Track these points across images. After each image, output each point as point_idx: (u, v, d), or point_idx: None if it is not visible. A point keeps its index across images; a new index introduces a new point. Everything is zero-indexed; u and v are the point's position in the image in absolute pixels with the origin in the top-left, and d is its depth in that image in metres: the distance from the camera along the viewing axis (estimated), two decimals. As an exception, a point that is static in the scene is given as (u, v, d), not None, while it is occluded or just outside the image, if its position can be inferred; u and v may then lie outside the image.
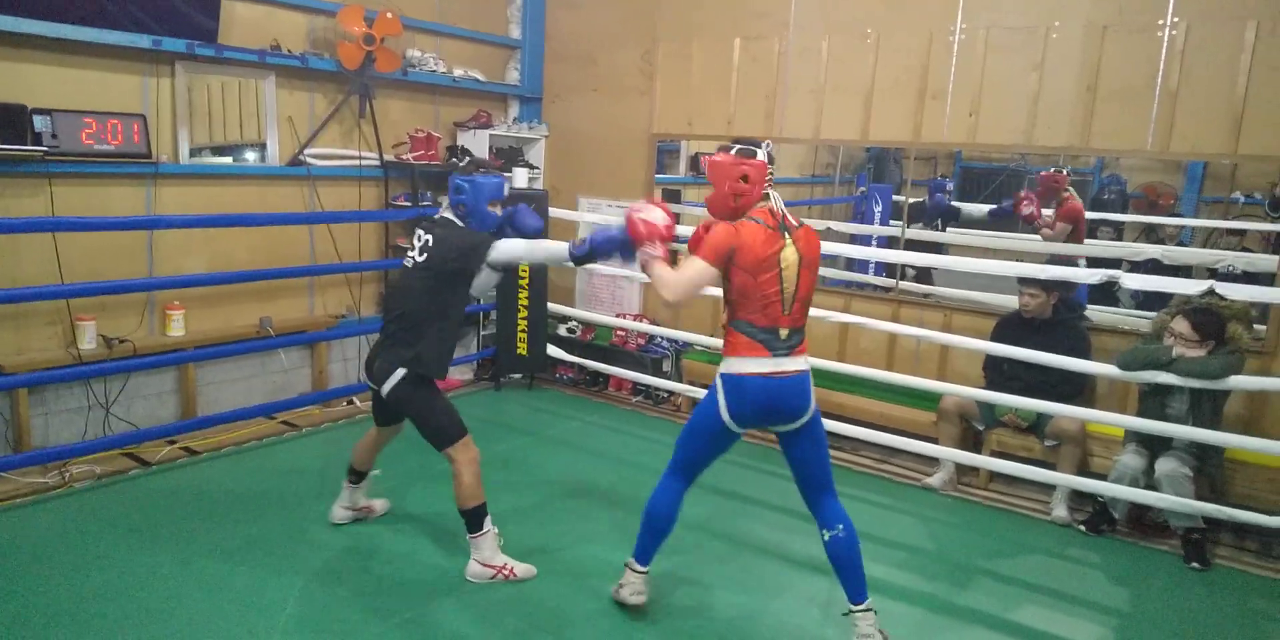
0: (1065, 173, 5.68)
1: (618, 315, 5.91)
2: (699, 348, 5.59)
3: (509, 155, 6.32)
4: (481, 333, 6.22)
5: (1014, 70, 4.60)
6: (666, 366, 5.69)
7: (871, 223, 6.54)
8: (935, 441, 4.44)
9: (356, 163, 5.56)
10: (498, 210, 3.34)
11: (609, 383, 5.95)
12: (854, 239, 6.30)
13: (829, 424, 4.55)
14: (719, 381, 2.83)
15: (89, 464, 4.19)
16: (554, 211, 5.69)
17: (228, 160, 4.97)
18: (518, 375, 6.01)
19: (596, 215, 5.96)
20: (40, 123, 4.09)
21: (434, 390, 3.26)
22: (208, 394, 4.93)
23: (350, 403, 5.44)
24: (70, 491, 3.95)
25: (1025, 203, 5.30)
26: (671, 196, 6.18)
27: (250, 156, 5.08)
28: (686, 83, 5.76)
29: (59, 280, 4.17)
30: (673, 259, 2.95)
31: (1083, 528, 4.07)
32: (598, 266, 5.79)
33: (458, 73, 6.01)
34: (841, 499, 4.17)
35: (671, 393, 5.58)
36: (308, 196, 5.33)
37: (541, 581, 3.33)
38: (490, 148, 6.12)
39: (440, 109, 6.13)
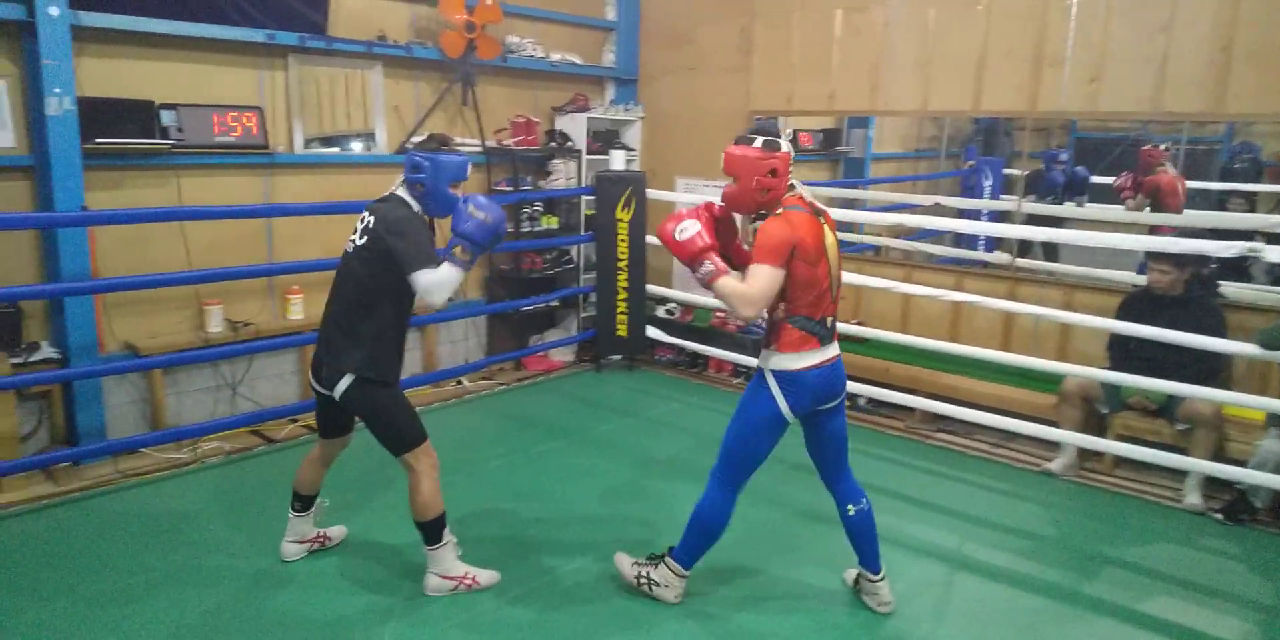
0: (1163, 148, 5.38)
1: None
2: (802, 328, 5.50)
3: (605, 138, 6.33)
4: (581, 315, 6.28)
5: (1139, 32, 4.31)
6: (768, 347, 5.62)
7: (980, 197, 6.29)
8: (1055, 425, 4.25)
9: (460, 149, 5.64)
10: (459, 192, 2.94)
11: (709, 364, 5.92)
12: (961, 214, 6.08)
13: (941, 407, 4.47)
14: (771, 379, 2.77)
15: (218, 441, 4.42)
16: (652, 193, 5.67)
17: (335, 150, 5.12)
18: (617, 357, 6.04)
19: (695, 195, 5.91)
20: (167, 117, 4.30)
21: (392, 390, 2.94)
22: (326, 375, 5.12)
23: (459, 383, 5.58)
24: (202, 467, 4.17)
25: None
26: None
27: (355, 146, 5.21)
28: (785, 58, 5.63)
29: (187, 267, 4.40)
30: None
31: (1219, 516, 3.83)
32: (697, 247, 5.75)
33: (555, 57, 6.03)
34: (957, 484, 4.12)
35: (774, 374, 5.50)
36: (414, 183, 5.44)
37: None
38: (587, 131, 6.14)
39: (538, 94, 6.17)
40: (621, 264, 5.66)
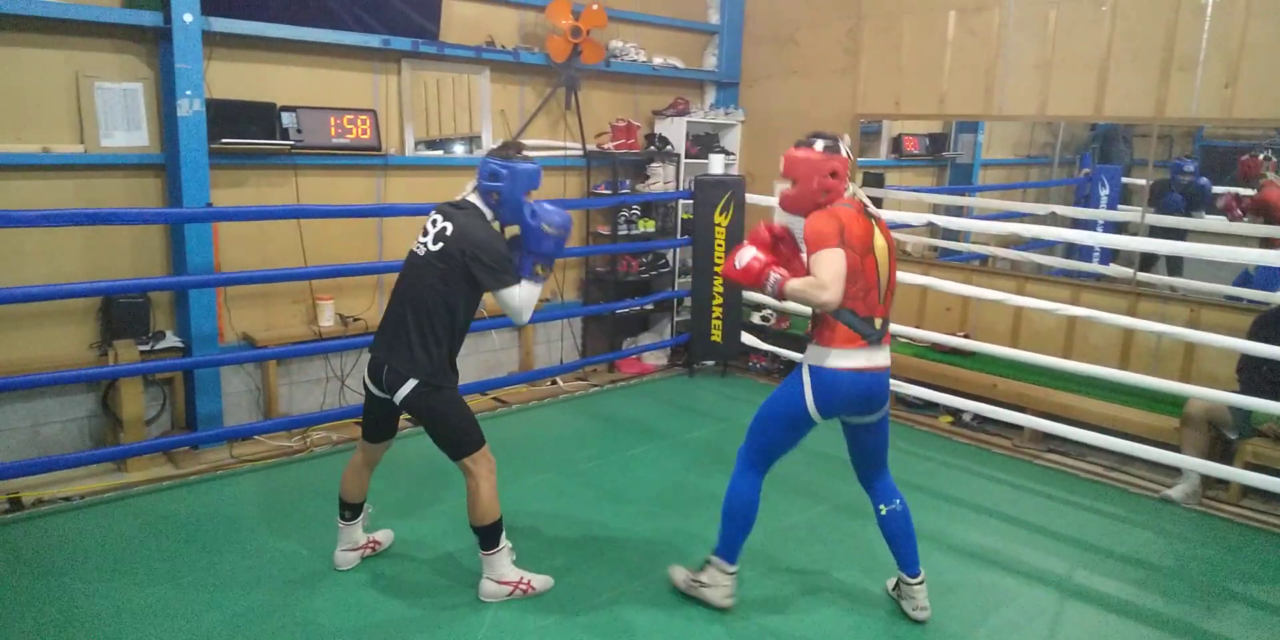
0: (1262, 158, 5.04)
1: (815, 304, 5.76)
2: (901, 340, 5.35)
3: (705, 142, 6.30)
4: (675, 319, 6.26)
5: (1282, 34, 4.05)
6: (868, 358, 5.49)
7: (1096, 207, 6.01)
8: (1177, 449, 4.01)
9: (561, 152, 5.72)
10: (530, 201, 2.96)
11: (805, 373, 5.82)
12: (1076, 224, 5.81)
13: (1052, 426, 4.27)
14: (806, 373, 2.75)
15: (326, 431, 4.59)
16: (750, 197, 5.62)
17: (439, 153, 5.24)
18: (711, 362, 6.01)
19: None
20: (288, 119, 4.48)
21: (452, 393, 2.93)
22: (427, 370, 5.26)
23: (554, 382, 5.64)
24: (311, 455, 4.33)
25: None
26: (874, 180, 5.93)
27: (458, 149, 5.32)
28: (894, 60, 5.50)
29: (303, 263, 4.57)
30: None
31: (1361, 555, 3.55)
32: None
33: (657, 61, 6.04)
34: (1068, 508, 3.93)
35: (872, 385, 5.36)
36: (516, 185, 5.53)
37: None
38: (687, 134, 6.13)
39: (639, 98, 6.19)
40: (717, 269, 5.62)
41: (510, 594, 3.03)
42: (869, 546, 3.44)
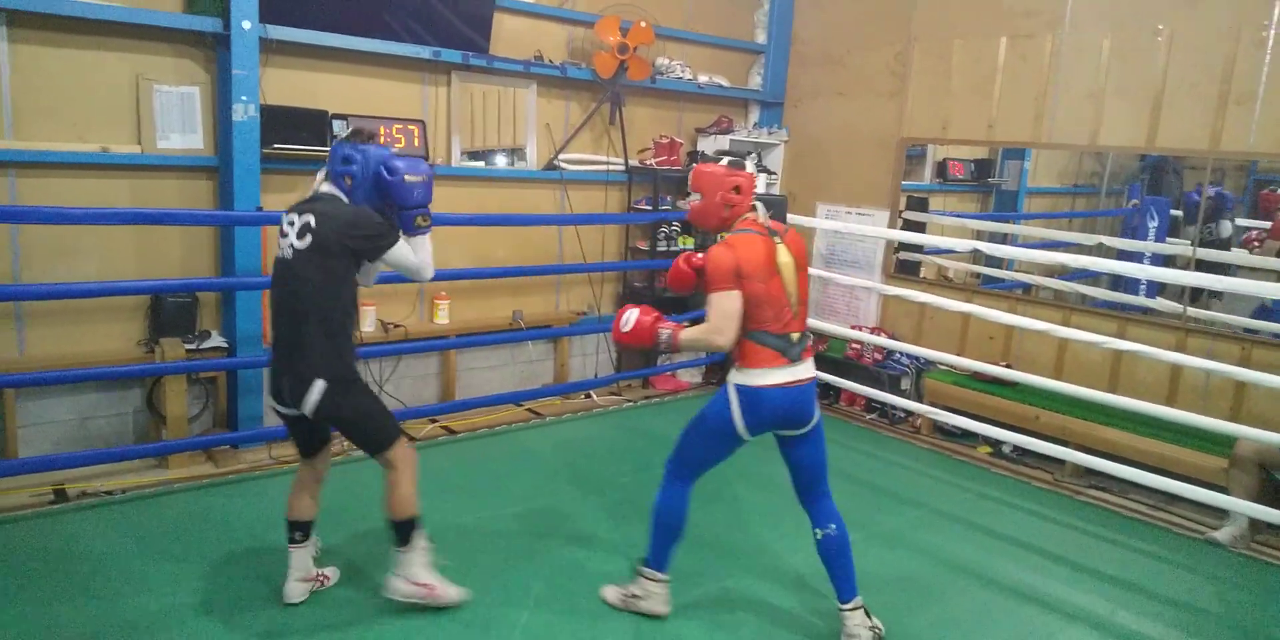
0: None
1: (853, 327, 5.72)
2: (943, 367, 5.29)
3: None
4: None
5: (1350, 68, 3.98)
6: (905, 384, 5.43)
7: (1144, 238, 5.91)
8: (1224, 491, 3.91)
9: (604, 168, 5.74)
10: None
11: (840, 396, 5.76)
12: (1121, 256, 5.72)
13: (1094, 461, 4.18)
14: (732, 392, 2.78)
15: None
16: (792, 217, 5.59)
17: (480, 164, 5.28)
18: (744, 382, 5.96)
19: (835, 222, 5.80)
20: (338, 126, 4.54)
21: (361, 389, 2.85)
22: (464, 379, 5.30)
23: (587, 396, 5.64)
24: (348, 458, 4.33)
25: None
26: (918, 204, 5.89)
27: (499, 160, 5.35)
28: (943, 84, 5.47)
29: (347, 270, 4.61)
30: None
31: None
32: (833, 276, 5.64)
33: (702, 79, 6.06)
34: (1110, 546, 3.85)
35: (910, 413, 5.30)
36: (559, 199, 5.57)
37: (767, 588, 3.25)
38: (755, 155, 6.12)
39: (683, 115, 6.21)
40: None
41: (421, 596, 2.94)
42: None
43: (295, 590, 2.99)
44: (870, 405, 5.57)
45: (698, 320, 2.90)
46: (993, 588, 3.44)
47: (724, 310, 2.69)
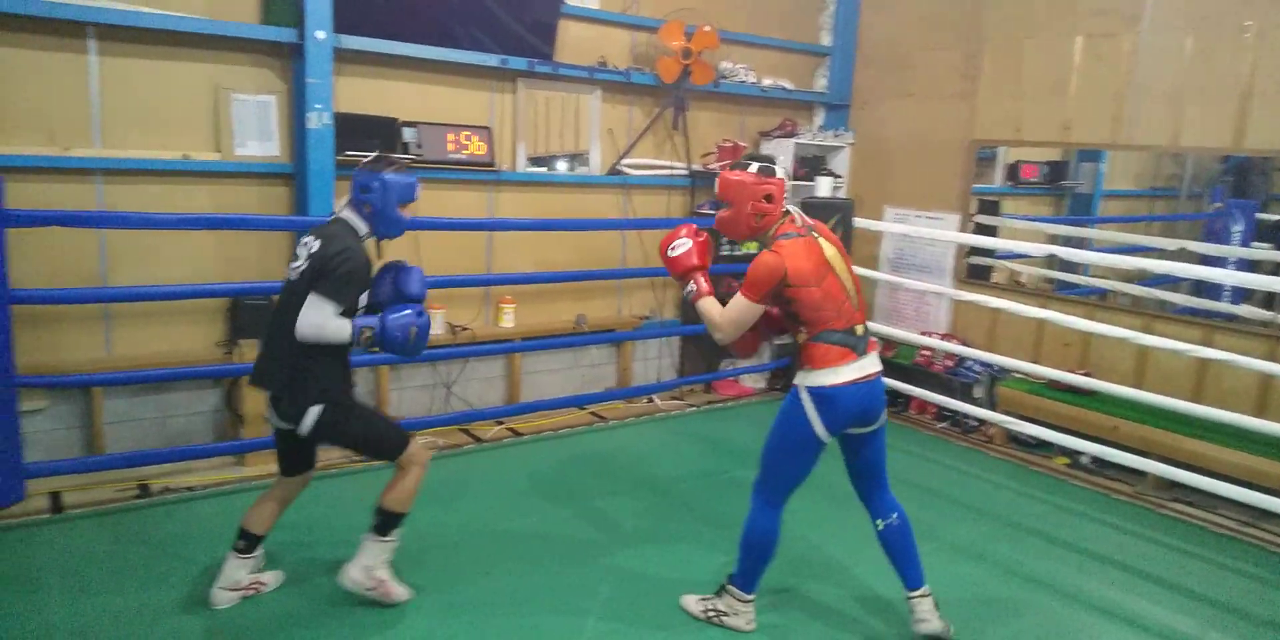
0: None
1: (923, 333, 5.60)
2: (1017, 375, 5.14)
3: (812, 164, 6.23)
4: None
5: None
6: (978, 392, 5.30)
7: (1227, 243, 5.68)
8: (1322, 506, 3.73)
9: (667, 172, 5.74)
10: (406, 215, 2.89)
11: (909, 404, 5.65)
12: (1204, 261, 5.50)
13: (1178, 473, 4.02)
14: (805, 395, 2.73)
15: (432, 435, 4.68)
16: (859, 221, 5.52)
17: (543, 169, 5.31)
18: (808, 388, 5.89)
19: (902, 226, 5.70)
20: (408, 134, 4.63)
21: (354, 405, 2.85)
22: (529, 382, 5.35)
23: (649, 400, 5.63)
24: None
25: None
26: (989, 207, 5.76)
27: (560, 166, 5.38)
28: (1015, 85, 5.34)
29: (417, 274, 4.69)
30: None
31: None
32: (902, 280, 5.54)
33: (766, 82, 6.01)
34: (1197, 562, 3.71)
35: (983, 422, 5.17)
36: (622, 204, 5.59)
37: (833, 595, 3.19)
38: (794, 156, 6.07)
39: (746, 119, 6.17)
40: (821, 293, 5.52)
41: (370, 588, 2.93)
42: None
43: (221, 598, 2.95)
44: (941, 414, 5.44)
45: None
46: (1071, 603, 3.32)
47: (739, 320, 2.73)
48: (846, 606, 3.21)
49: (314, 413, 2.72)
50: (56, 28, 3.76)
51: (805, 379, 2.74)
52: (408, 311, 2.81)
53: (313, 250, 2.73)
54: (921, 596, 2.91)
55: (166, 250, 4.15)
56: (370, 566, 2.92)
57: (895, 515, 2.91)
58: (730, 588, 2.99)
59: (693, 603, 3.08)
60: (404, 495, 2.86)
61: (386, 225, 2.86)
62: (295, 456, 2.95)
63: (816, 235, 2.77)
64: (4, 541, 3.35)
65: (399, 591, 3.00)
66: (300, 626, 2.88)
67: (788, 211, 2.80)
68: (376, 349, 2.78)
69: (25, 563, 3.20)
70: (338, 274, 2.66)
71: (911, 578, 2.92)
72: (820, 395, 2.70)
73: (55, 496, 3.74)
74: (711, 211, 5.79)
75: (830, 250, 2.76)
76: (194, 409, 4.32)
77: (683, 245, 2.87)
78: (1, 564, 3.18)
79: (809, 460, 2.80)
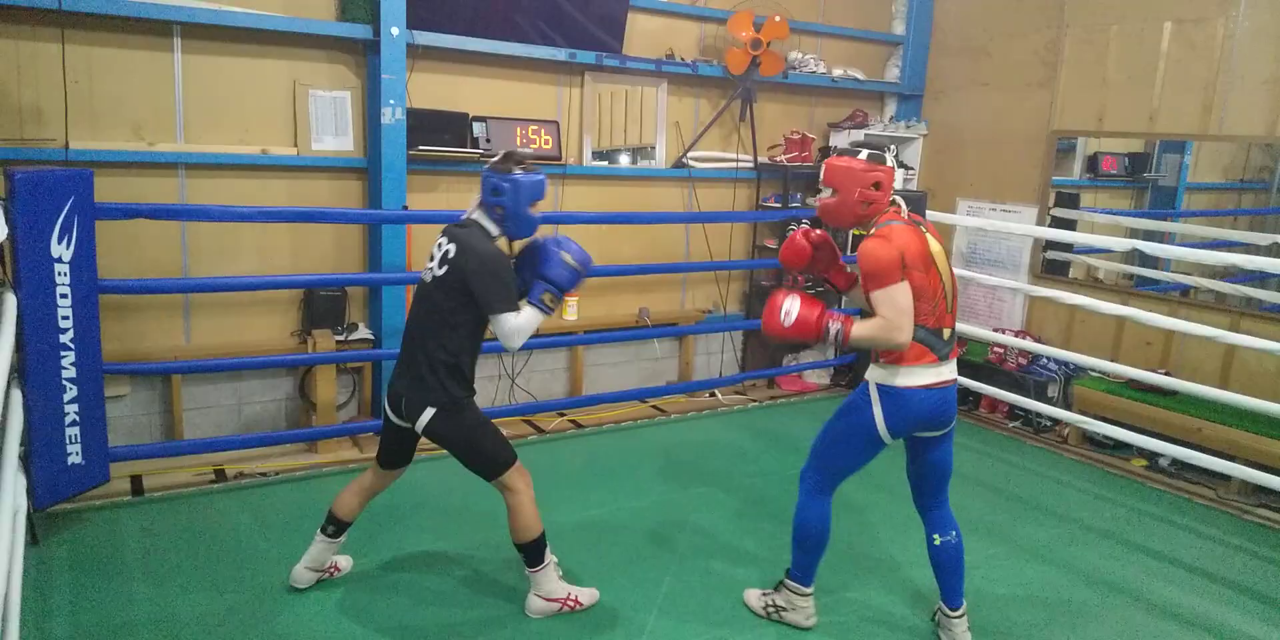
0: None
1: (996, 329, 5.45)
2: (1095, 374, 4.96)
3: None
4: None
5: None
6: (1052, 391, 5.13)
7: (1323, 237, 5.39)
8: None
9: (733, 165, 5.69)
10: (537, 213, 2.84)
11: (979, 402, 5.51)
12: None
13: (1265, 478, 3.85)
14: (875, 392, 2.66)
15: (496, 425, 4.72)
16: (931, 214, 5.39)
17: (604, 163, 5.31)
18: (874, 384, 5.79)
19: (976, 219, 5.55)
20: (478, 128, 4.68)
21: (474, 414, 2.84)
22: (591, 374, 5.38)
23: (712, 394, 5.60)
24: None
25: None
26: (1068, 200, 5.57)
27: (623, 159, 5.37)
28: (1098, 74, 5.14)
29: (483, 266, 4.75)
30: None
31: None
32: (975, 275, 5.40)
33: (836, 72, 5.91)
34: (1238, 553, 3.58)
35: (1057, 421, 5.01)
36: (687, 197, 5.56)
37: (894, 599, 3.14)
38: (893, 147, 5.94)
39: (815, 110, 6.08)
40: (890, 288, 5.42)
41: (559, 609, 2.97)
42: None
43: (303, 576, 3.03)
44: (1014, 413, 5.29)
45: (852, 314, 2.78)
46: (1148, 609, 3.21)
47: (899, 305, 2.52)
48: (903, 606, 3.15)
49: (430, 412, 2.75)
50: (143, 26, 3.90)
51: (877, 374, 2.67)
52: (551, 252, 2.81)
53: (450, 256, 2.73)
54: (960, 617, 2.88)
55: (244, 242, 4.28)
56: (545, 595, 2.96)
57: (954, 533, 2.85)
58: (788, 582, 2.96)
59: (754, 598, 3.06)
60: (528, 523, 2.86)
61: (518, 225, 2.82)
62: (398, 451, 2.99)
63: (923, 228, 2.69)
64: (90, 521, 3.50)
65: (586, 596, 3.03)
66: (349, 615, 2.95)
67: (894, 201, 2.70)
68: (555, 303, 2.81)
69: (109, 543, 3.33)
70: (494, 286, 2.68)
71: (957, 596, 2.88)
72: (890, 395, 2.63)
73: (136, 479, 3.89)
74: (777, 204, 5.73)
75: (935, 246, 2.67)
76: (268, 397, 4.45)
77: (791, 308, 2.65)
78: (87, 543, 3.32)
79: (864, 456, 2.76)
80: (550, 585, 2.96)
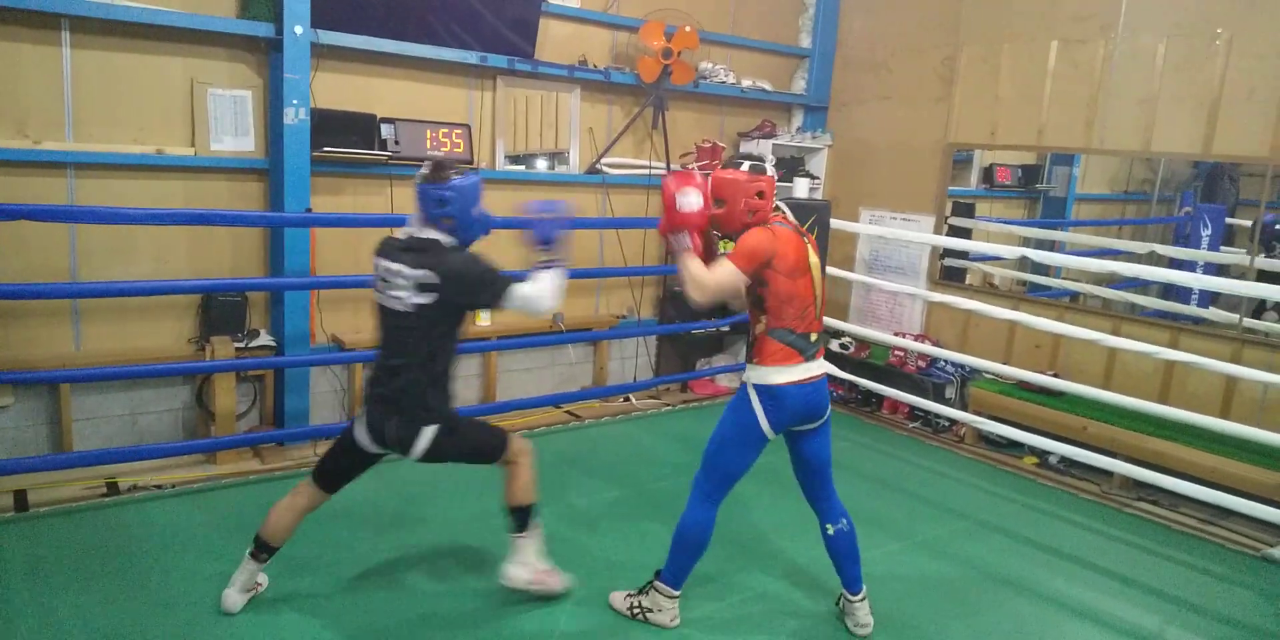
0: None
1: (896, 333, 5.65)
2: (989, 376, 5.19)
3: (790, 165, 6.26)
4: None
5: None
6: (949, 393, 5.35)
7: (1196, 247, 5.77)
8: (1281, 506, 3.81)
9: (646, 171, 5.75)
10: (482, 212, 2.84)
11: (882, 404, 5.70)
12: (1172, 264, 5.59)
13: (1144, 473, 4.10)
14: (753, 392, 2.81)
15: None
16: (835, 223, 5.55)
17: (521, 168, 5.30)
18: (784, 388, 5.92)
19: (878, 228, 5.75)
20: (386, 130, 4.60)
21: (463, 424, 2.89)
22: (505, 380, 5.34)
23: (626, 399, 5.64)
24: (389, 459, 4.36)
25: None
26: (964, 210, 5.82)
27: (540, 164, 5.37)
28: (991, 90, 5.40)
29: (392, 271, 4.67)
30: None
31: None
32: (877, 281, 5.59)
33: (746, 83, 6.04)
34: (1159, 560, 3.77)
35: (954, 422, 5.22)
36: (601, 203, 5.59)
37: (803, 596, 3.23)
38: (772, 157, 6.09)
39: (725, 119, 6.20)
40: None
41: (533, 583, 3.02)
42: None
43: (234, 600, 2.91)
44: (913, 413, 5.50)
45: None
46: (1036, 600, 3.37)
47: (724, 281, 2.72)
48: (783, 595, 3.26)
49: (430, 431, 2.75)
50: (29, 19, 3.72)
51: (752, 375, 2.83)
52: (535, 218, 2.88)
53: (431, 282, 2.66)
54: (862, 600, 3.03)
55: (138, 246, 4.12)
56: (527, 562, 3.00)
57: (845, 521, 3.00)
58: (658, 584, 3.01)
59: (619, 599, 3.10)
60: (525, 487, 2.94)
61: (469, 230, 2.79)
62: (349, 475, 2.92)
63: (807, 241, 2.86)
64: (-31, 539, 3.31)
65: (556, 580, 3.07)
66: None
67: (778, 207, 2.88)
68: (557, 254, 2.88)
69: (-10, 561, 3.16)
70: (488, 283, 2.71)
71: (857, 582, 3.03)
72: (766, 392, 2.78)
73: (21, 494, 3.69)
74: (690, 211, 5.80)
75: (814, 258, 2.85)
76: (164, 406, 4.29)
77: (694, 200, 2.75)
78: (-34, 562, 3.14)
79: (751, 455, 2.88)
80: (529, 554, 3.00)
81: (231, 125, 4.28)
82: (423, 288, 2.68)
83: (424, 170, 2.76)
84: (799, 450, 2.97)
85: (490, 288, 2.72)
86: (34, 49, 3.78)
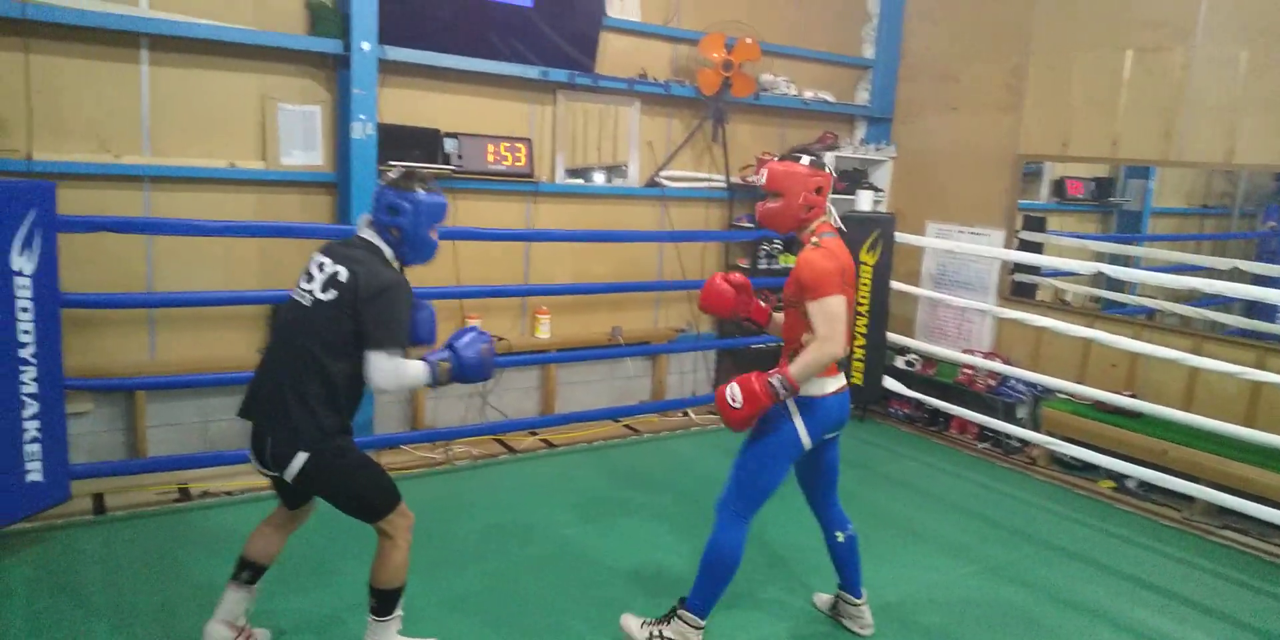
0: None
1: (965, 351, 5.50)
2: (1063, 396, 5.02)
3: (853, 177, 6.17)
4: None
5: None
6: (1021, 412, 5.18)
7: (1281, 262, 5.52)
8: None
9: (705, 184, 5.72)
10: (435, 237, 2.61)
11: (950, 423, 5.54)
12: (1256, 281, 5.35)
13: (1229, 500, 3.89)
14: (792, 406, 2.73)
15: (467, 445, 4.71)
16: (900, 236, 5.44)
17: (579, 181, 5.31)
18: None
19: (945, 242, 5.62)
20: (450, 144, 4.66)
21: (353, 457, 2.52)
22: (564, 393, 5.35)
23: (685, 414, 5.60)
24: (451, 468, 4.43)
25: None
26: (1035, 224, 5.66)
27: (598, 177, 5.38)
28: (1063, 99, 5.25)
29: (456, 282, 4.74)
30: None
31: None
32: (945, 297, 5.46)
33: (807, 95, 5.98)
34: (1250, 593, 3.61)
35: (1026, 443, 5.04)
36: (660, 216, 5.58)
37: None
38: (834, 169, 6.01)
39: (786, 132, 6.14)
40: (861, 309, 5.45)
41: None
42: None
43: (217, 633, 2.66)
44: (983, 434, 5.32)
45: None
46: (1118, 630, 3.22)
47: (833, 314, 2.62)
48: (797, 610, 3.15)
49: (302, 458, 2.43)
50: (110, 38, 3.85)
51: None
52: (471, 333, 2.65)
53: (340, 279, 2.44)
54: (865, 604, 3.08)
55: (210, 257, 4.22)
56: None
57: (851, 527, 3.02)
58: (684, 613, 2.82)
59: (634, 626, 2.90)
60: (395, 570, 2.57)
61: (416, 249, 2.58)
62: (293, 495, 2.66)
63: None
64: (49, 541, 3.41)
65: None
66: (332, 635, 2.87)
67: (827, 209, 2.81)
68: (446, 378, 2.57)
69: (69, 565, 3.24)
70: (389, 320, 2.42)
71: (856, 585, 3.07)
72: (807, 405, 2.74)
73: (99, 498, 3.80)
74: (750, 225, 5.76)
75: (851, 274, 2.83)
76: (233, 414, 4.34)
77: (734, 393, 2.64)
78: (47, 565, 3.23)
79: (786, 470, 2.80)
80: (388, 638, 2.65)
81: (301, 140, 4.37)
82: (332, 283, 2.45)
83: (392, 175, 2.59)
84: (819, 460, 2.93)
85: (384, 323, 2.41)
86: (115, 66, 3.91)
